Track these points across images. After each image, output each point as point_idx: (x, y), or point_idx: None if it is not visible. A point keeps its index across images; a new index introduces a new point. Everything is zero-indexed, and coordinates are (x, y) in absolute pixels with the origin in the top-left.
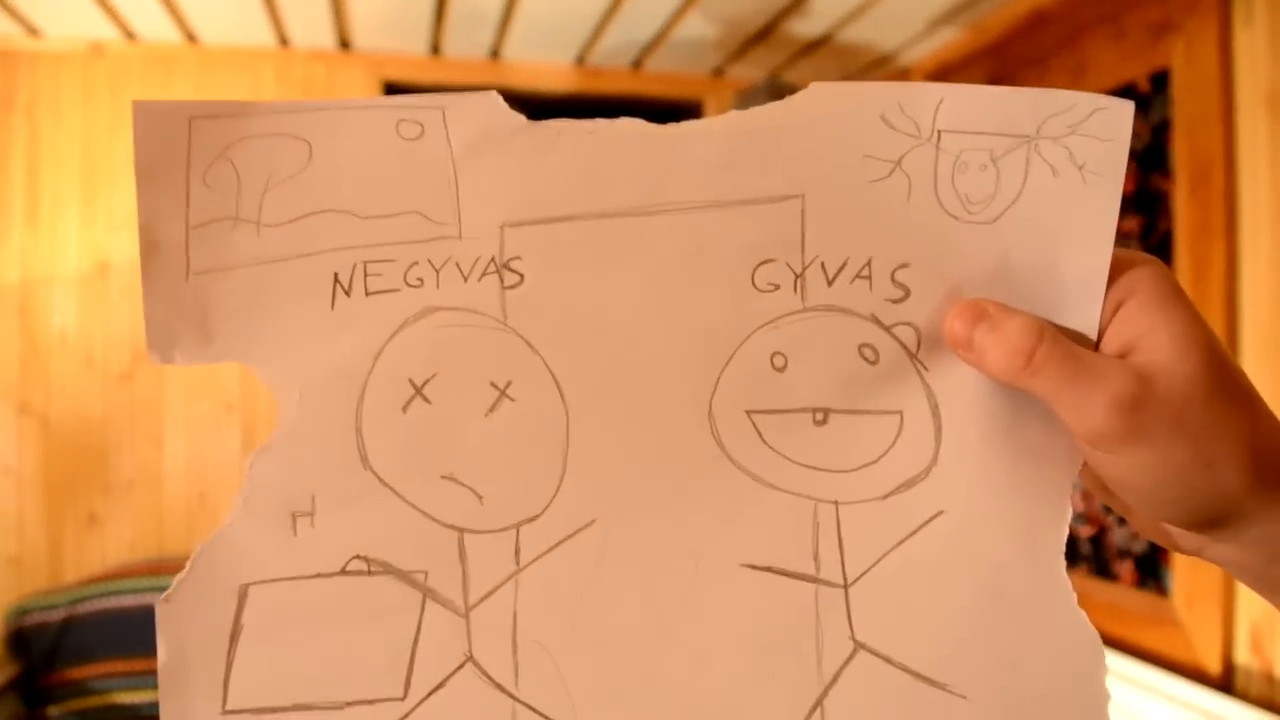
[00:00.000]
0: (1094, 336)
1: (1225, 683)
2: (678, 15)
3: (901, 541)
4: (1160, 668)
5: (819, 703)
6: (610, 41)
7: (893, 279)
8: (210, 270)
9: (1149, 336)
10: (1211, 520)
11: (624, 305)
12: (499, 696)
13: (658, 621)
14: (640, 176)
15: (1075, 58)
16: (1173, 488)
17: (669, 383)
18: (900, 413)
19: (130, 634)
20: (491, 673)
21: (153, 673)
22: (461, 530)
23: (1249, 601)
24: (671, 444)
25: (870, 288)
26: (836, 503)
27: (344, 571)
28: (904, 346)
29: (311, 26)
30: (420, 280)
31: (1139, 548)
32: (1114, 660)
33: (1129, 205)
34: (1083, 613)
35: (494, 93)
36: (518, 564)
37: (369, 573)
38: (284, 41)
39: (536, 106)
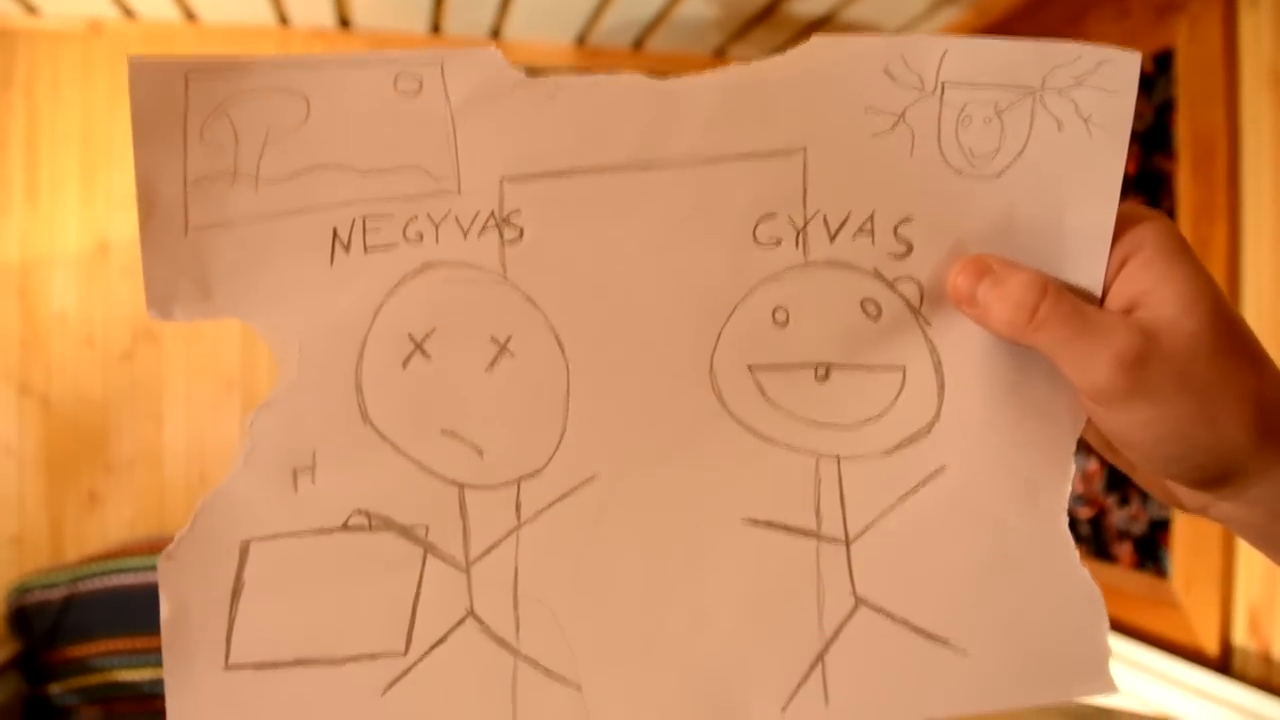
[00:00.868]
0: (1099, 292)
1: (1223, 664)
2: None
3: (903, 497)
4: (1158, 649)
5: (820, 658)
6: (611, 21)
7: (895, 233)
8: (209, 226)
9: (1154, 292)
10: (1215, 477)
11: (625, 259)
12: (500, 651)
13: (659, 576)
14: (640, 130)
15: (1078, 37)
16: (1177, 444)
17: (670, 337)
18: (903, 368)
19: (131, 612)
20: (493, 627)
21: (154, 650)
22: (462, 485)
23: (1247, 583)
24: (672, 399)
25: (873, 242)
26: (838, 458)
27: (345, 527)
28: (907, 302)
29: (311, 5)
30: (420, 235)
31: (1138, 530)
32: (1112, 642)
33: (1131, 186)
34: (1085, 570)
35: (493, 47)
36: (518, 519)
37: (370, 528)
38: (284, 20)
39: None
